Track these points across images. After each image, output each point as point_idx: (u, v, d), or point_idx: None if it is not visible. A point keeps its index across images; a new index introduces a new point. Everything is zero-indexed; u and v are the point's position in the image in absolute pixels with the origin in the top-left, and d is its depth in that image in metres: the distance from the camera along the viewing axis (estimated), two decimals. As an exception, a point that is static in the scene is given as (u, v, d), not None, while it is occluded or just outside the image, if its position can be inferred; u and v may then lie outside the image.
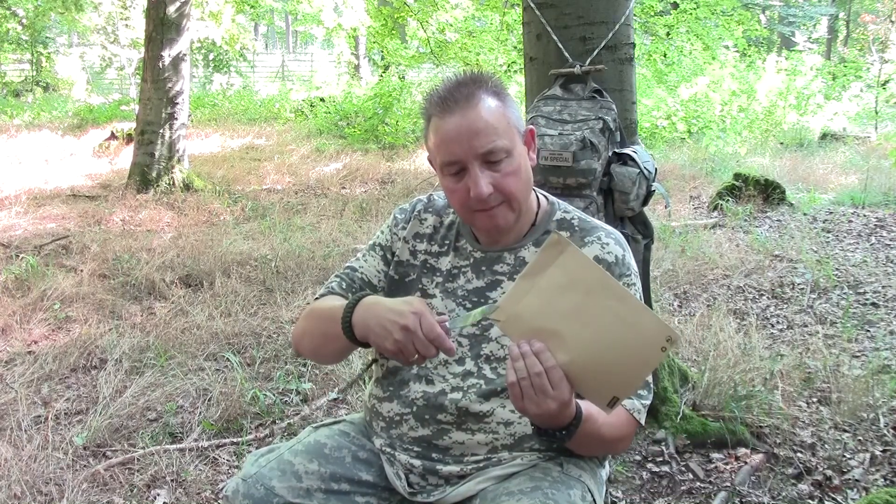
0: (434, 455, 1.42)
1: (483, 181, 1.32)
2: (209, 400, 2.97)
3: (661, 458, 2.56)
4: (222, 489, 2.37)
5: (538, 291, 1.15)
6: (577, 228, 1.44)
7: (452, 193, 1.38)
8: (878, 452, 2.56)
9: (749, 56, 13.09)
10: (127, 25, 14.33)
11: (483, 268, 1.45)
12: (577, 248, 1.15)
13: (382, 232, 1.55)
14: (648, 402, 1.38)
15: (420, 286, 1.48)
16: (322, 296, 1.51)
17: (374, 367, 1.54)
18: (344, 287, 1.51)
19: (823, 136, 10.78)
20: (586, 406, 1.25)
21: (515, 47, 9.65)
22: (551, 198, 1.51)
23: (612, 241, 1.42)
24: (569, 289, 1.13)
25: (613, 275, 1.38)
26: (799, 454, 2.56)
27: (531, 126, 1.42)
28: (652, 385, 1.40)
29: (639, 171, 2.30)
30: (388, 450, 1.47)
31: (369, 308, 1.29)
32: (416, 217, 1.53)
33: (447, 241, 1.49)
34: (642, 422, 1.37)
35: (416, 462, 1.43)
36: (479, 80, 1.37)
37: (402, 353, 1.23)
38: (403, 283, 1.50)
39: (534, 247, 1.43)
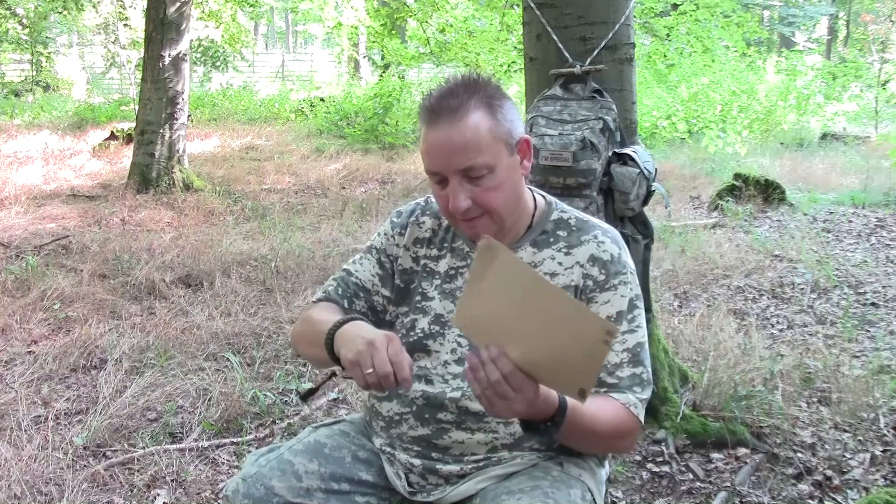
0: (434, 454, 1.42)
1: (461, 195, 1.32)
2: (209, 400, 2.97)
3: (661, 458, 2.56)
4: (222, 489, 2.37)
5: (484, 295, 1.18)
6: (574, 227, 1.44)
7: (437, 199, 1.40)
8: (878, 452, 2.56)
9: (749, 56, 13.08)
10: (126, 25, 14.31)
11: None
12: (508, 250, 1.17)
13: (379, 235, 1.56)
14: (645, 397, 1.37)
15: (420, 290, 1.48)
16: (319, 300, 1.53)
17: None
18: (339, 293, 1.52)
19: (823, 136, 10.79)
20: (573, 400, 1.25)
21: (515, 47, 9.64)
22: (549, 197, 1.51)
23: (608, 240, 1.42)
24: (508, 290, 1.15)
25: (609, 272, 1.38)
26: (799, 454, 2.56)
27: (525, 137, 1.39)
28: (650, 382, 1.39)
29: (639, 171, 2.31)
30: (388, 449, 1.47)
31: (350, 328, 1.32)
32: (415, 222, 1.52)
33: (445, 244, 1.49)
34: (641, 417, 1.36)
35: (416, 461, 1.43)
36: (472, 87, 1.34)
37: (358, 365, 1.23)
38: (409, 290, 1.50)
39: (531, 247, 1.43)
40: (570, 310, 1.10)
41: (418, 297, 1.48)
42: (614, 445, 1.44)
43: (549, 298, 1.12)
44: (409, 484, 1.45)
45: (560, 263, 1.41)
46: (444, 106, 1.31)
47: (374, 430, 1.52)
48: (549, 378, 1.15)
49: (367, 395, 1.56)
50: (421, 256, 1.51)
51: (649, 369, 1.40)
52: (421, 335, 1.44)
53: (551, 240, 1.43)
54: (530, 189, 1.48)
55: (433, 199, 1.54)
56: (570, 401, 1.23)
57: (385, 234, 1.54)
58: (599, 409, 1.31)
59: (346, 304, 1.51)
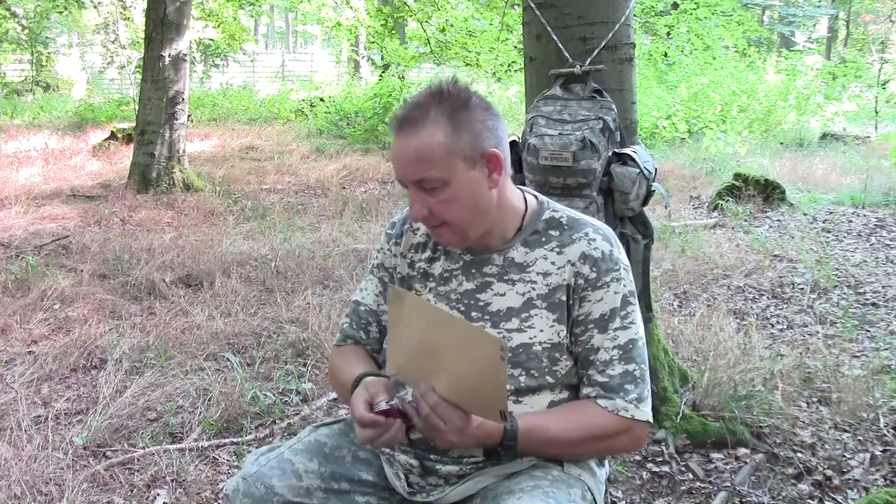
0: (432, 456, 1.42)
1: (417, 204, 1.36)
2: (209, 400, 2.97)
3: (661, 458, 2.56)
4: (222, 489, 2.37)
5: (404, 339, 1.28)
6: (565, 226, 1.44)
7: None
8: (878, 452, 2.56)
9: (749, 56, 13.08)
10: (128, 21, 14.31)
11: (473, 270, 1.45)
12: (412, 294, 1.26)
13: (378, 251, 1.59)
14: (637, 395, 1.36)
15: (415, 293, 1.49)
16: (340, 342, 1.61)
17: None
18: (354, 327, 1.59)
19: (823, 136, 10.78)
20: (535, 419, 1.33)
21: (515, 47, 9.64)
22: (541, 197, 1.50)
23: (599, 237, 1.41)
24: (421, 330, 1.24)
25: (600, 270, 1.39)
26: (799, 454, 2.56)
27: (494, 151, 1.35)
28: (644, 378, 1.38)
29: (639, 171, 2.30)
30: (387, 450, 1.47)
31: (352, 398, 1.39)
32: (409, 229, 1.54)
33: (439, 246, 1.50)
34: (637, 416, 1.36)
35: (415, 462, 1.43)
36: (439, 98, 1.34)
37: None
38: None
39: (522, 247, 1.43)
40: (466, 333, 1.19)
41: None
42: (607, 449, 1.45)
43: (450, 327, 1.20)
44: (409, 484, 1.45)
45: (553, 263, 1.41)
46: (407, 116, 1.33)
47: None
48: (471, 404, 1.23)
49: None
50: (416, 261, 1.52)
51: (644, 366, 1.39)
52: None
53: (543, 239, 1.43)
54: (521, 189, 1.49)
55: None
56: (525, 422, 1.31)
57: (381, 249, 1.58)
58: (572, 419, 1.36)
59: (362, 336, 1.58)
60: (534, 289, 1.40)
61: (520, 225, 1.45)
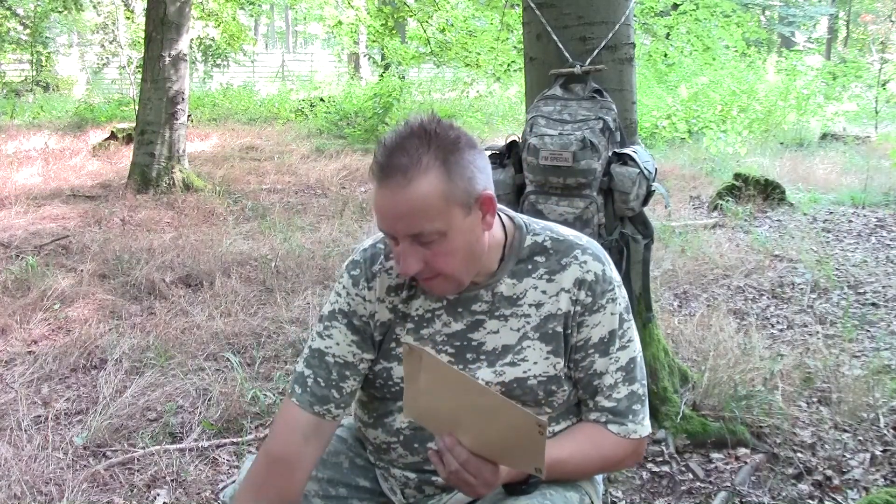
0: (428, 466, 1.40)
1: (411, 258, 1.24)
2: (209, 400, 2.97)
3: (661, 458, 2.56)
4: (222, 489, 2.37)
5: (424, 392, 1.22)
6: (550, 251, 1.36)
7: (393, 254, 1.31)
8: (878, 452, 2.56)
9: (749, 56, 13.08)
10: (129, 20, 14.29)
11: (459, 309, 1.36)
12: (430, 353, 1.20)
13: (340, 295, 1.40)
14: (645, 413, 1.38)
15: (394, 336, 1.38)
16: (302, 402, 1.36)
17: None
18: (322, 384, 1.37)
19: (823, 136, 10.78)
20: (555, 452, 1.28)
21: (515, 47, 9.64)
22: (518, 219, 1.39)
23: (589, 258, 1.35)
24: (442, 387, 1.19)
25: (595, 293, 1.34)
26: (799, 454, 2.56)
27: (488, 193, 1.26)
28: (644, 399, 1.39)
29: (639, 171, 2.30)
30: (382, 464, 1.47)
31: None
32: (381, 270, 1.39)
33: (414, 283, 1.37)
34: (643, 433, 1.38)
35: (412, 475, 1.42)
36: (426, 141, 1.20)
37: None
38: (385, 339, 1.41)
39: (510, 279, 1.35)
40: (499, 405, 1.14)
41: (392, 344, 1.39)
42: (616, 469, 1.49)
43: (479, 395, 1.15)
44: (405, 496, 1.45)
45: (544, 292, 1.35)
46: (393, 164, 1.19)
47: (366, 446, 1.52)
48: (504, 460, 1.20)
49: (353, 415, 1.54)
50: (397, 303, 1.38)
51: (644, 380, 1.39)
52: (401, 383, 1.36)
53: (530, 267, 1.36)
54: (498, 214, 1.37)
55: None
56: (549, 458, 1.22)
57: (348, 293, 1.39)
58: (588, 449, 1.35)
59: (334, 394, 1.37)
60: (528, 322, 1.34)
61: (502, 255, 1.36)
